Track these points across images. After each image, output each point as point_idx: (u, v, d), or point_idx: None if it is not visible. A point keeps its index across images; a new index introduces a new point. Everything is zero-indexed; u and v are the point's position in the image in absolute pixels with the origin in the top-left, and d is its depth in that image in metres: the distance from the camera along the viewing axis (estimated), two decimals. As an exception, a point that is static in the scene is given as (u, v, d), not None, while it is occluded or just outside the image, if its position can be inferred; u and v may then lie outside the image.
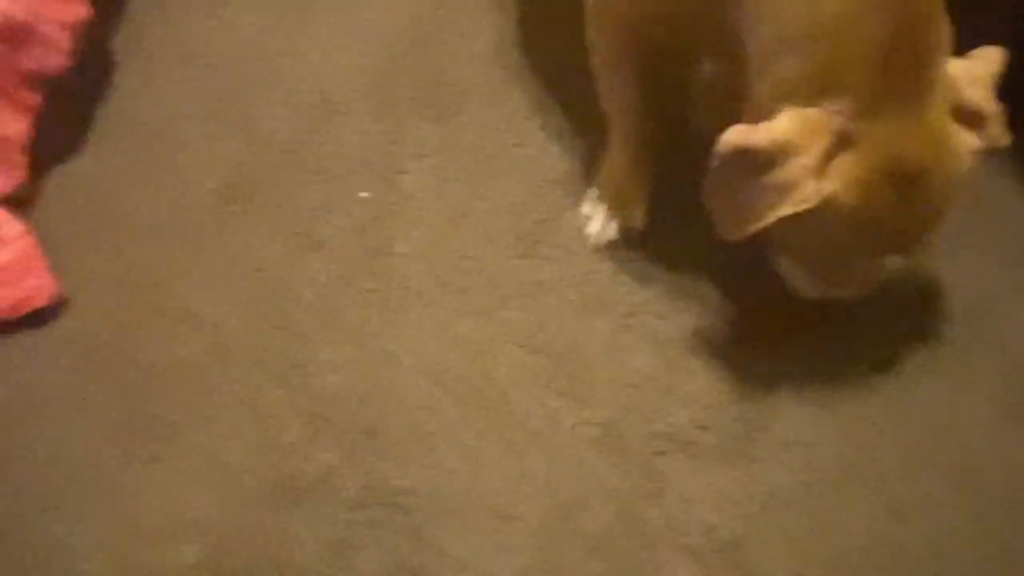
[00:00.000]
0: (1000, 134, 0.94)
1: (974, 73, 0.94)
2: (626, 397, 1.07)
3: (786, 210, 0.89)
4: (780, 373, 1.07)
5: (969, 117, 0.93)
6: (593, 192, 1.18)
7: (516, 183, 1.21)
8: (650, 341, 1.10)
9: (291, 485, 1.01)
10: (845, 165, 0.89)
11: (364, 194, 1.20)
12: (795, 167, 0.88)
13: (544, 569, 0.97)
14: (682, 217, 1.12)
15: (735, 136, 0.89)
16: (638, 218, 1.17)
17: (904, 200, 0.92)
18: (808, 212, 0.90)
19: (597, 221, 1.17)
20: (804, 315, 1.08)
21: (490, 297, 1.13)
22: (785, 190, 0.88)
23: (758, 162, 0.89)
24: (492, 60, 1.30)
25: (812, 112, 0.89)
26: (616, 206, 1.16)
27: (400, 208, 1.19)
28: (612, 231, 1.16)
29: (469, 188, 1.21)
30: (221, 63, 1.31)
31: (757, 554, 0.98)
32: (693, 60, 1.15)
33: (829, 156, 0.89)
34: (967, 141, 0.93)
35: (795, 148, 0.88)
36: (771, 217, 0.89)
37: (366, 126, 1.25)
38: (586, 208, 1.18)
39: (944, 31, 0.91)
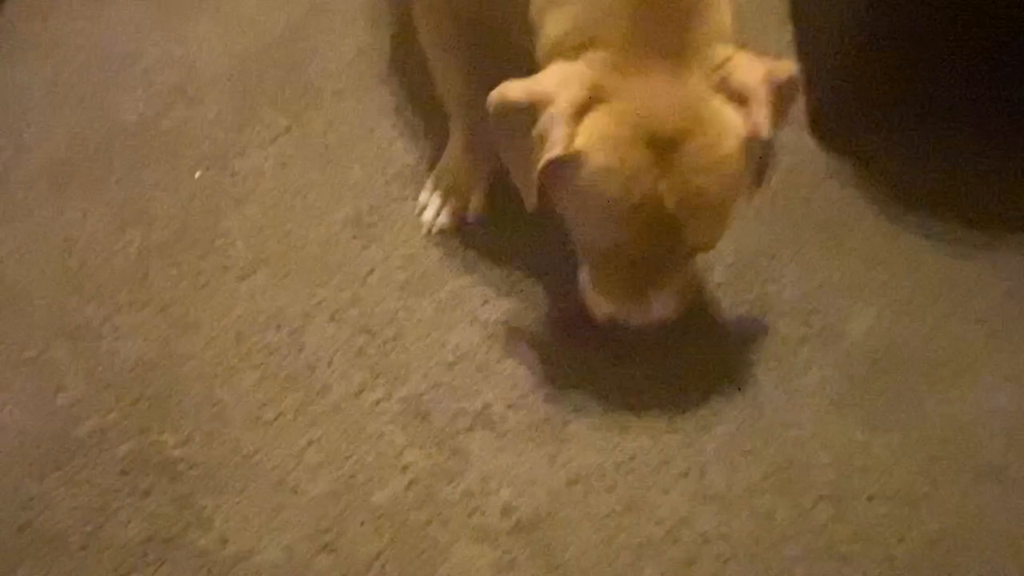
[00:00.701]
0: (763, 124, 0.85)
1: (753, 64, 0.87)
2: (438, 374, 0.98)
3: (543, 160, 0.82)
4: (599, 359, 0.99)
5: (738, 100, 0.86)
6: (431, 180, 1.11)
7: (357, 172, 1.15)
8: (471, 321, 1.02)
9: (56, 447, 0.90)
10: (595, 119, 0.83)
11: (198, 173, 1.13)
12: (548, 116, 0.82)
13: (318, 542, 0.85)
14: (520, 207, 1.06)
15: (496, 92, 0.85)
16: (475, 205, 1.10)
17: (660, 166, 0.83)
18: (568, 177, 0.83)
19: (432, 208, 1.10)
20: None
21: (311, 274, 1.06)
22: (540, 140, 0.83)
23: (523, 117, 0.83)
24: (353, 62, 1.27)
25: (569, 65, 0.84)
26: (452, 193, 1.09)
27: (232, 188, 1.13)
28: (446, 218, 1.09)
29: (307, 173, 1.15)
30: (86, 53, 1.28)
31: (557, 535, 0.87)
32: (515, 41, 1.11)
33: (583, 108, 0.83)
34: (732, 119, 0.85)
35: (547, 97, 0.82)
36: (535, 169, 0.83)
37: (215, 114, 1.21)
38: (423, 195, 1.11)
39: (713, 9, 0.86)
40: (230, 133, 1.19)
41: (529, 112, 0.83)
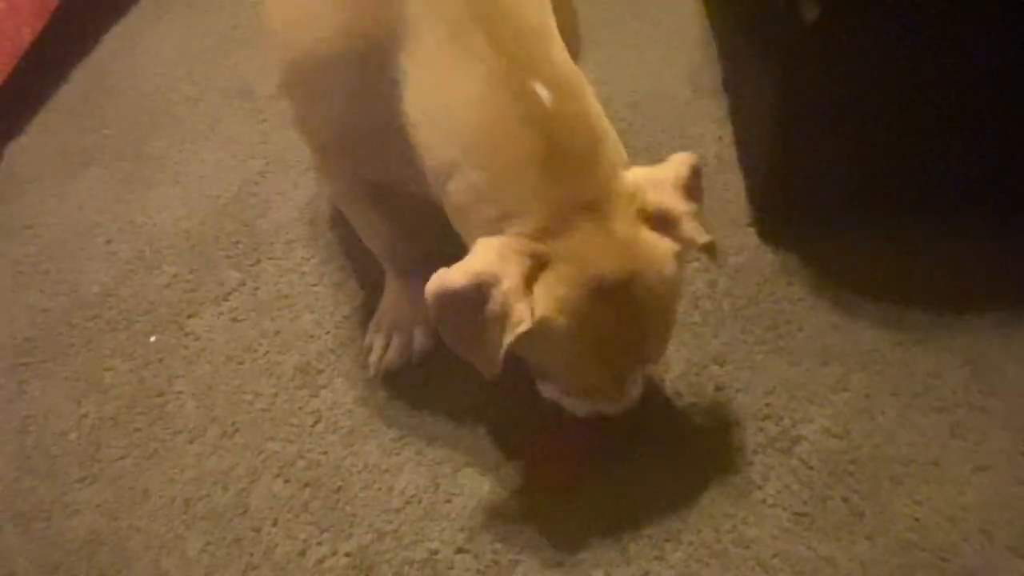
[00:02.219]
0: (694, 233, 0.87)
1: (658, 177, 0.88)
2: (384, 523, 0.95)
3: (509, 338, 0.82)
4: (548, 490, 0.95)
5: (662, 221, 0.87)
6: (374, 320, 1.11)
7: (307, 319, 1.15)
8: (418, 463, 0.99)
9: (2, 638, 0.88)
10: (547, 286, 0.83)
11: (153, 338, 1.14)
12: (500, 295, 0.81)
13: None
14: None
15: (434, 284, 0.83)
16: (420, 340, 1.09)
17: (618, 311, 0.85)
18: (535, 339, 0.83)
19: (377, 348, 1.09)
20: (577, 440, 0.97)
21: (258, 430, 1.04)
22: (501, 319, 0.82)
23: (468, 301, 0.82)
24: (304, 210, 1.29)
25: (499, 239, 0.84)
26: (395, 331, 1.09)
27: (185, 349, 1.13)
28: (392, 357, 1.08)
29: (259, 325, 1.15)
30: (52, 231, 1.32)
31: None
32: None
33: (530, 278, 0.83)
34: (664, 245, 0.86)
35: (493, 277, 0.82)
36: (502, 348, 0.82)
37: (172, 276, 1.22)
38: (368, 337, 1.11)
39: (606, 141, 0.87)
40: (185, 294, 1.21)
41: (475, 295, 0.82)
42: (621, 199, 0.85)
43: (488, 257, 0.83)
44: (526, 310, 0.82)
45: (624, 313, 0.85)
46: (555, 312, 0.83)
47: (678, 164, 0.89)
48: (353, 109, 0.93)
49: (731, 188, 1.26)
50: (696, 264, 1.15)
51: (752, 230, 1.20)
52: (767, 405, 1.01)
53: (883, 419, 0.99)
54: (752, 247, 1.18)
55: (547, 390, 0.95)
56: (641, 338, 0.88)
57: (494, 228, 0.84)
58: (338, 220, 1.28)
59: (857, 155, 1.14)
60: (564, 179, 0.83)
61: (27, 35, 1.48)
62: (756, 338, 1.08)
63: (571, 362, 0.88)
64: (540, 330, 0.83)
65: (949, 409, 0.99)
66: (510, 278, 0.82)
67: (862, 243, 1.14)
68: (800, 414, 1.00)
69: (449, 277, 0.83)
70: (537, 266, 0.83)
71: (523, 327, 0.81)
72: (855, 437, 0.98)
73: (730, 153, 1.31)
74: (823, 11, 0.94)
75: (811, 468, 0.96)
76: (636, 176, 0.88)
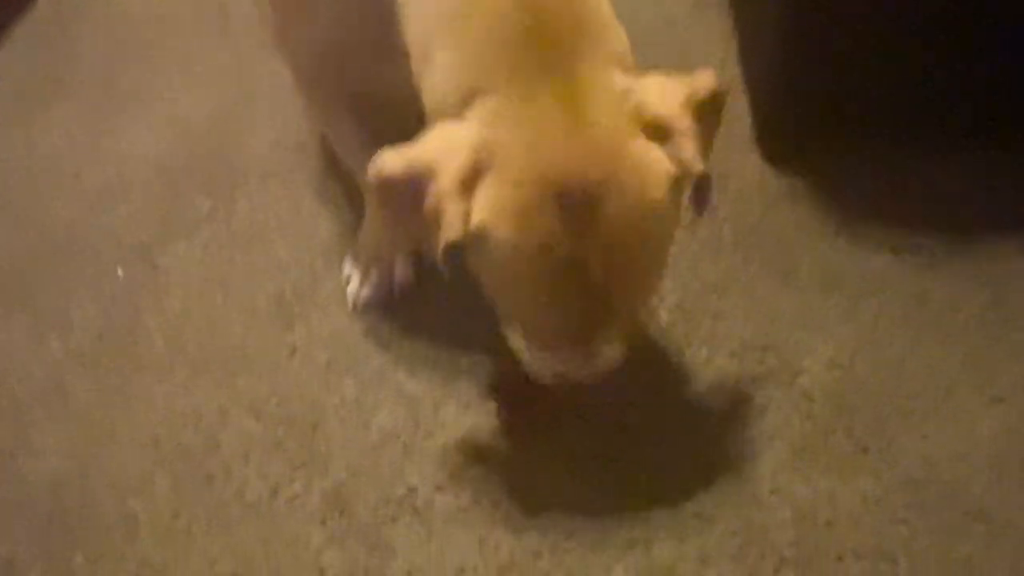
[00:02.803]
0: (692, 156, 0.73)
1: (668, 88, 0.76)
2: (362, 459, 0.90)
3: (442, 244, 0.72)
4: (533, 427, 0.90)
5: (658, 136, 0.74)
6: (352, 252, 1.05)
7: (282, 251, 1.10)
8: (396, 398, 0.94)
9: (-38, 580, 0.84)
10: (494, 184, 0.72)
11: (120, 272, 1.09)
12: (436, 192, 0.72)
13: (226, 664, 0.77)
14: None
15: (374, 167, 0.74)
16: (400, 275, 1.03)
17: (580, 231, 0.71)
18: (477, 252, 0.73)
19: (355, 282, 1.04)
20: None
21: (230, 365, 0.99)
22: (434, 216, 0.72)
23: (405, 191, 0.73)
24: (278, 143, 1.23)
25: (453, 125, 0.74)
26: (375, 265, 1.03)
27: (154, 283, 1.08)
28: (370, 291, 1.03)
29: (232, 259, 1.10)
30: (17, 162, 1.26)
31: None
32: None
33: (473, 176, 0.72)
34: (657, 163, 0.73)
35: (428, 170, 0.72)
36: (439, 247, 0.72)
37: (140, 208, 1.17)
38: (346, 269, 1.05)
39: (603, 34, 0.77)
40: (155, 227, 1.15)
41: (413, 187, 0.72)
42: (608, 98, 0.74)
43: (432, 144, 0.73)
44: (458, 214, 0.70)
45: (589, 233, 0.71)
46: (496, 217, 0.71)
47: (697, 81, 0.77)
48: (339, 4, 0.85)
49: (734, 109, 1.17)
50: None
51: (755, 152, 1.13)
52: (767, 336, 0.96)
53: (891, 350, 0.93)
54: (756, 170, 1.10)
55: (512, 337, 0.84)
56: (611, 275, 0.73)
57: (457, 114, 0.74)
58: (316, 152, 1.22)
59: (869, 71, 1.06)
60: (540, 61, 0.72)
61: (-11, -42, 1.41)
62: (758, 266, 1.01)
63: (518, 291, 0.75)
64: (479, 241, 0.72)
65: (963, 339, 0.93)
66: (447, 174, 0.71)
67: (873, 166, 1.07)
68: (803, 345, 0.94)
69: (388, 162, 0.73)
70: (486, 160, 0.71)
71: (452, 235, 0.70)
72: (861, 369, 0.92)
73: (734, 71, 1.23)
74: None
75: (813, 401, 0.90)
76: (644, 83, 0.76)
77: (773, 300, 0.99)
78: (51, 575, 0.84)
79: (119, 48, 1.39)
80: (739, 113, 1.18)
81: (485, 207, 0.72)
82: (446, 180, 0.72)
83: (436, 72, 0.78)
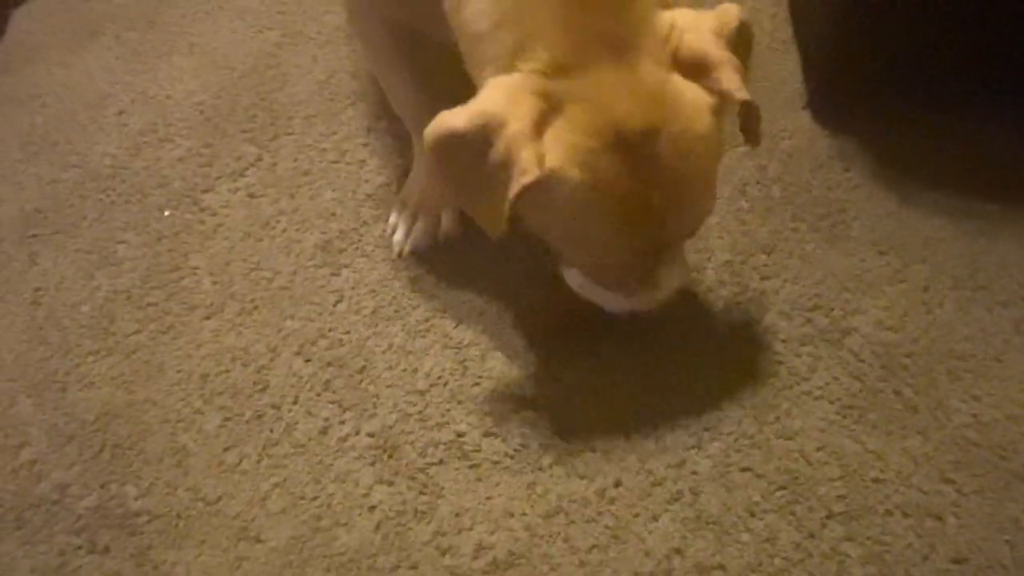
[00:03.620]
0: (732, 84, 0.77)
1: (699, 22, 0.79)
2: (409, 404, 0.91)
3: (516, 188, 0.73)
4: (580, 375, 0.91)
5: (697, 69, 0.77)
6: (399, 200, 1.05)
7: (328, 196, 1.10)
8: (443, 346, 0.95)
9: (16, 504, 0.87)
10: (560, 132, 0.74)
11: (167, 212, 1.10)
12: (506, 140, 0.73)
13: (278, 594, 0.79)
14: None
15: (434, 125, 0.76)
16: (447, 224, 1.03)
17: (641, 168, 0.75)
18: (545, 196, 0.75)
19: (402, 229, 1.04)
20: (601, 323, 0.92)
21: (277, 308, 1.00)
22: (506, 167, 0.73)
23: (471, 146, 0.74)
24: (324, 86, 1.23)
25: (509, 78, 0.75)
26: (422, 213, 1.03)
27: (201, 224, 1.09)
28: (417, 239, 1.03)
29: (277, 203, 1.10)
30: (61, 101, 1.26)
31: (535, 573, 0.78)
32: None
33: (541, 122, 0.74)
34: (698, 95, 0.77)
35: (498, 120, 0.73)
36: (507, 200, 0.74)
37: (186, 150, 1.17)
38: (392, 217, 1.05)
39: None
40: (200, 168, 1.15)
41: (479, 140, 0.74)
42: (653, 41, 0.76)
43: (495, 97, 0.75)
44: (533, 159, 0.73)
45: (648, 171, 0.76)
46: (567, 163, 0.74)
47: (724, 12, 0.80)
48: None
49: (786, 68, 1.17)
50: (743, 148, 1.08)
51: (807, 112, 1.12)
52: (817, 296, 0.96)
53: (941, 312, 0.94)
54: (806, 130, 1.10)
55: (571, 277, 0.88)
56: (669, 205, 0.78)
57: (507, 65, 0.76)
58: (361, 97, 1.22)
59: (924, 31, 1.05)
60: (590, 9, 0.74)
61: None
62: (808, 226, 1.01)
63: (587, 231, 0.78)
64: (549, 184, 0.74)
65: (1014, 304, 0.93)
66: (517, 121, 0.73)
67: (926, 128, 1.06)
68: (852, 305, 0.95)
69: (450, 118, 0.75)
70: (550, 109, 0.74)
71: (528, 178, 0.73)
72: (911, 330, 0.92)
73: (785, 31, 1.22)
74: None
75: (862, 361, 0.91)
76: (675, 17, 0.79)
77: (823, 260, 0.99)
78: (104, 503, 0.86)
79: (158, -10, 1.39)
80: (790, 72, 1.17)
81: (555, 153, 0.74)
82: (517, 126, 0.73)
83: (477, 14, 0.78)
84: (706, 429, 0.88)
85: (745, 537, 0.81)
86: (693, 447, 0.87)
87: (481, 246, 1.03)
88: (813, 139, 1.09)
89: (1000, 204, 1.00)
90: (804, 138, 1.09)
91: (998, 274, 0.96)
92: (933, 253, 0.98)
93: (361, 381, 0.94)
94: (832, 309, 0.95)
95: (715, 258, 1.00)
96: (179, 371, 0.96)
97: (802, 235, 1.01)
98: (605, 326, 0.93)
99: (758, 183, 1.06)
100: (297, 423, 0.91)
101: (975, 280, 0.95)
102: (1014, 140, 1.03)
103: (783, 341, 0.93)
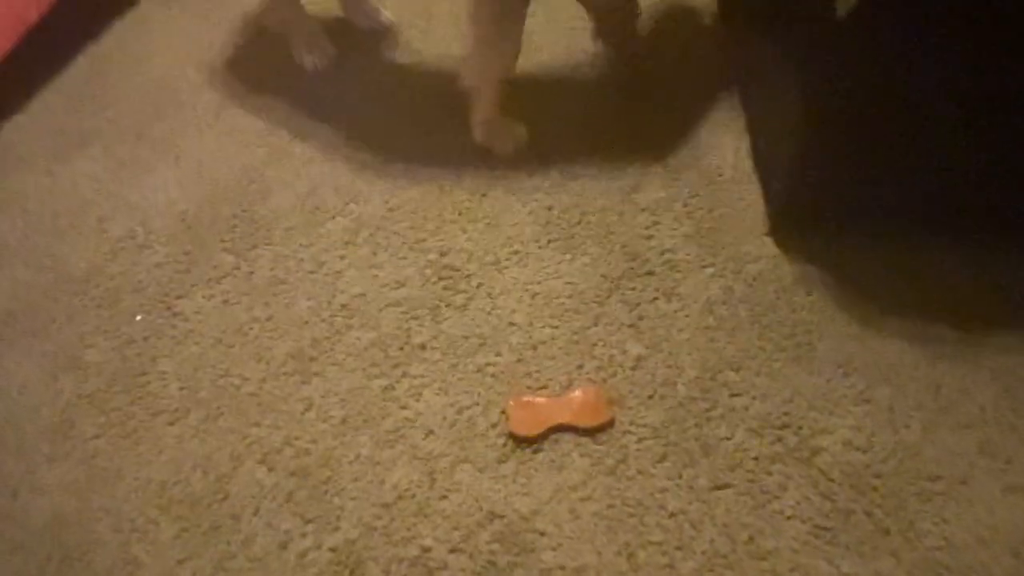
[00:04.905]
0: None
1: None
2: (374, 517, 0.87)
3: None
4: (550, 489, 0.88)
5: None
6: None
7: (303, 305, 1.09)
8: (412, 456, 0.92)
9: (-51, 619, 0.79)
10: None
11: (139, 317, 1.08)
12: None
13: None
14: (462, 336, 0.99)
15: None
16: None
17: None
18: None
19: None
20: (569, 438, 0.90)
21: (244, 415, 0.97)
22: None
23: None
24: (306, 199, 1.24)
25: None
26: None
27: (172, 330, 1.07)
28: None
29: (252, 310, 1.09)
30: (43, 206, 1.26)
31: None
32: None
33: None
34: None
35: None
36: None
37: (163, 257, 1.17)
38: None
39: None
40: (177, 275, 1.15)
41: None
42: None
43: None
44: None
45: None
46: None
47: None
48: None
49: (747, 198, 1.21)
50: (711, 270, 1.11)
51: (769, 239, 1.15)
52: (786, 414, 0.95)
53: (907, 434, 0.93)
54: (769, 256, 1.12)
55: None
56: None
57: None
58: (340, 212, 1.23)
59: (880, 163, 1.10)
60: None
61: (34, 14, 1.44)
62: (774, 346, 1.02)
63: None
64: None
65: (977, 426, 0.93)
66: None
67: (884, 255, 1.10)
68: (820, 424, 0.94)
69: None
70: None
71: None
72: (878, 451, 0.92)
73: (746, 163, 1.26)
74: (859, 4, 0.91)
75: (832, 480, 0.89)
76: None
77: (790, 379, 0.99)
78: (44, 619, 0.80)
79: (152, 105, 1.42)
80: (753, 201, 1.21)
81: None
82: None
83: None
84: (678, 548, 0.84)
85: (719, 664, 0.77)
86: (666, 566, 0.83)
87: (451, 350, 1.02)
88: (777, 264, 1.11)
89: (958, 330, 1.01)
90: (768, 263, 1.12)
91: (960, 397, 0.96)
92: (896, 375, 0.99)
93: (326, 492, 0.90)
94: (801, 427, 0.94)
95: (685, 374, 0.99)
96: (137, 478, 0.92)
97: (769, 354, 1.01)
98: (575, 442, 0.91)
99: (724, 303, 1.07)
100: (256, 535, 0.86)
101: (938, 402, 0.96)
102: (968, 266, 1.06)
103: (754, 459, 0.92)
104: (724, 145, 1.30)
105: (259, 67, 1.46)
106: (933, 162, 1.07)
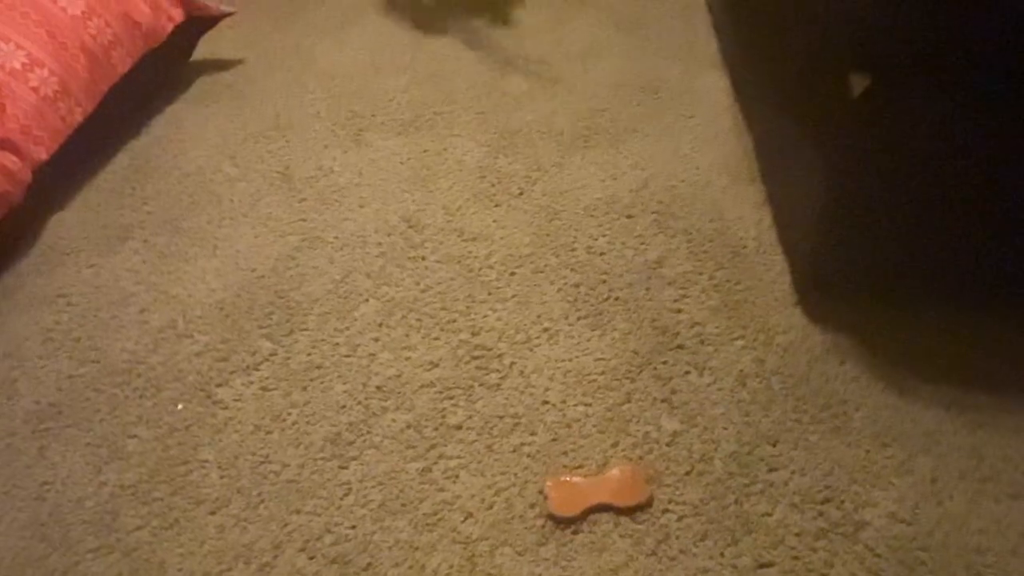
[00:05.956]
0: None
1: None
2: (416, 605, 0.86)
3: None
4: (592, 572, 0.87)
5: None
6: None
7: (339, 390, 1.10)
8: (452, 540, 0.91)
9: None
10: None
11: (180, 406, 1.09)
12: None
13: None
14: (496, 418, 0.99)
15: None
16: None
17: None
18: None
19: None
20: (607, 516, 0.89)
21: (284, 501, 0.97)
22: None
23: None
24: (340, 284, 1.27)
25: None
26: None
27: (212, 418, 1.08)
28: None
29: (290, 396, 1.10)
30: (86, 300, 1.29)
31: None
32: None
33: None
34: None
35: None
36: None
37: (203, 345, 1.19)
38: None
39: None
40: (216, 363, 1.17)
41: None
42: None
43: None
44: None
45: None
46: None
47: None
48: None
49: (774, 268, 1.23)
50: (741, 342, 1.11)
51: (798, 309, 1.15)
52: (827, 488, 0.94)
53: (952, 505, 0.91)
54: (800, 326, 1.13)
55: None
56: None
57: None
58: (374, 295, 1.25)
59: (905, 231, 1.10)
60: None
61: (78, 116, 1.50)
62: (810, 417, 1.01)
63: None
64: None
65: (1023, 496, 0.92)
66: None
67: (915, 321, 1.10)
68: (863, 498, 0.93)
69: None
70: None
71: None
72: (924, 523, 0.90)
73: (770, 235, 1.28)
74: (872, 82, 0.94)
75: (879, 556, 0.87)
76: None
77: (828, 451, 0.98)
78: None
79: (188, 198, 1.46)
80: (779, 271, 1.22)
81: None
82: None
83: None
84: (725, 630, 0.83)
85: None
86: (713, 650, 0.82)
87: (489, 433, 1.02)
88: (807, 334, 1.12)
89: (995, 395, 1.00)
90: (798, 333, 1.12)
91: (1003, 466, 0.95)
92: (936, 444, 0.97)
93: (366, 579, 0.90)
94: (843, 501, 0.93)
95: (721, 448, 0.99)
96: (180, 569, 0.91)
97: (805, 426, 1.01)
98: (614, 522, 0.90)
99: (757, 376, 1.07)
100: (299, 625, 0.86)
101: (981, 471, 0.94)
102: (1003, 332, 1.06)
103: (797, 535, 0.90)
104: (746, 217, 1.32)
105: (288, 157, 1.52)
106: (959, 228, 1.07)
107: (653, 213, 1.34)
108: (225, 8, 1.76)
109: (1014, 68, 0.92)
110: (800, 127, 1.17)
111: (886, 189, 1.05)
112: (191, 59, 1.78)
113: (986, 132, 0.99)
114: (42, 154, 1.38)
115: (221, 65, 1.76)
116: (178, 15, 1.64)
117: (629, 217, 1.34)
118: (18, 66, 1.38)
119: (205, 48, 1.77)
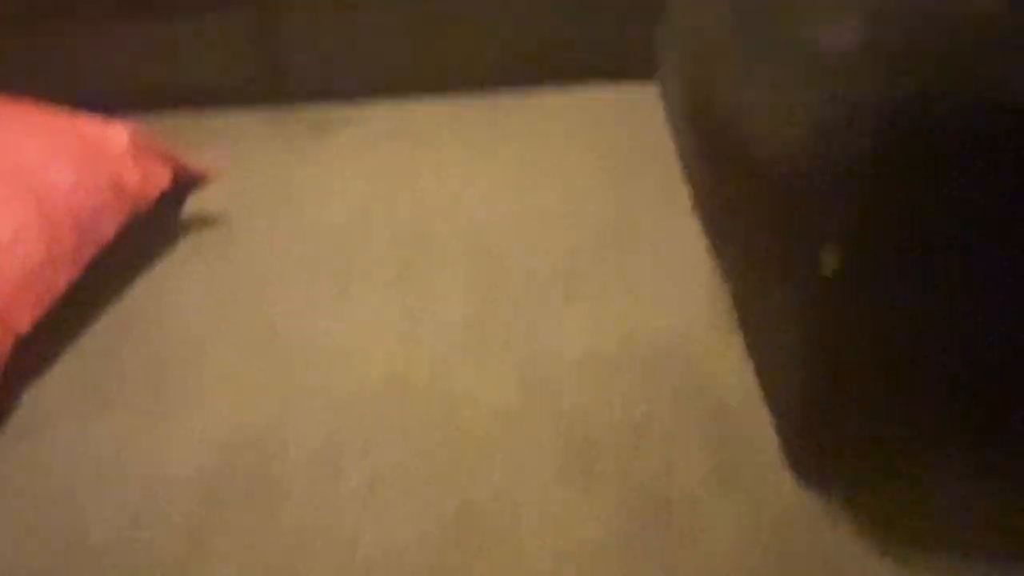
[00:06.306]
0: None
1: None
2: None
3: None
4: None
5: None
6: None
7: (326, 560, 1.06)
8: None
9: None
10: None
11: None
12: None
13: None
14: None
15: None
16: None
17: None
18: None
19: None
20: None
21: None
22: None
23: None
24: (322, 450, 1.24)
25: None
26: None
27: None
28: None
29: (277, 569, 1.05)
30: (64, 472, 1.25)
31: None
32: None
33: None
34: None
35: None
36: None
37: (182, 523, 1.14)
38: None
39: None
40: (195, 539, 1.11)
41: None
42: None
43: None
44: None
45: None
46: None
47: None
48: None
49: (760, 431, 1.20)
50: (734, 509, 1.09)
51: (789, 474, 1.14)
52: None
53: None
54: (791, 493, 1.11)
55: None
56: None
57: None
58: (358, 462, 1.23)
59: (894, 393, 1.08)
60: None
61: (62, 284, 1.48)
62: (807, 589, 0.99)
63: None
64: None
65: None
66: None
67: (910, 484, 1.09)
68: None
69: None
70: None
71: None
72: None
73: (754, 392, 1.28)
74: (846, 260, 0.96)
75: None
76: None
77: (829, 626, 0.95)
78: None
79: (173, 360, 1.44)
80: (766, 435, 1.21)
81: None
82: None
83: None
84: None
85: None
86: None
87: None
88: (799, 500, 1.10)
89: (997, 561, 0.99)
90: (790, 500, 1.10)
91: (1008, 641, 0.92)
92: (942, 616, 0.95)
93: None
94: None
95: (721, 628, 0.96)
96: None
97: (803, 600, 0.98)
98: None
99: (752, 545, 1.04)
100: None
101: (985, 647, 0.92)
102: (1002, 498, 1.05)
103: None
104: (728, 370, 1.32)
105: (274, 316, 1.52)
106: (947, 390, 1.08)
107: (639, 367, 1.35)
108: (211, 168, 1.78)
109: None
110: (773, 301, 1.18)
111: (869, 354, 1.05)
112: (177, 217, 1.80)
113: (967, 292, 1.00)
114: (24, 326, 1.37)
115: (206, 221, 1.78)
116: (166, 181, 1.67)
117: (615, 370, 1.34)
118: (4, 240, 1.38)
119: (190, 202, 1.79)
